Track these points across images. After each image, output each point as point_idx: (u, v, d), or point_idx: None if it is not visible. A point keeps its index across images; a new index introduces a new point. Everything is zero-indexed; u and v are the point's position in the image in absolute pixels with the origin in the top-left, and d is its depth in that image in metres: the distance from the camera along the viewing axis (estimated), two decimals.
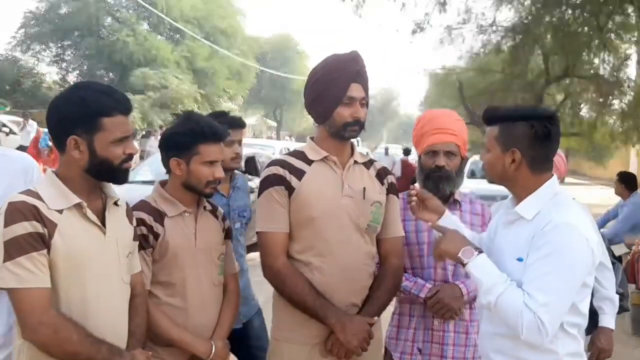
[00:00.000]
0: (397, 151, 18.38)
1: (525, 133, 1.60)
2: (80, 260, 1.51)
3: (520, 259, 1.58)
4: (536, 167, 1.63)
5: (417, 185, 2.01)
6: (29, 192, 1.50)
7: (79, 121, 1.50)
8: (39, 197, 1.48)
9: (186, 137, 1.89)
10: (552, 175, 1.66)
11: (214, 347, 1.89)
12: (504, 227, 1.72)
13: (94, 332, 1.50)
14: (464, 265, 1.63)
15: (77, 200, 1.52)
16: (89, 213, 1.54)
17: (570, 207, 1.61)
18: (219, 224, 2.04)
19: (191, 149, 1.88)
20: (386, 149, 19.32)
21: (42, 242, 1.44)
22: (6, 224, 1.43)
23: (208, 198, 1.99)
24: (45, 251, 1.45)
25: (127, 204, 1.74)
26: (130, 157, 1.59)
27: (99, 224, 1.57)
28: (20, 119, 16.38)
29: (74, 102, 1.51)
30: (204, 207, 2.00)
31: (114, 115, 1.53)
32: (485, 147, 1.71)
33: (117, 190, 1.67)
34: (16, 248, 1.42)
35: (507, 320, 1.54)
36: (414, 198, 1.91)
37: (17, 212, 1.44)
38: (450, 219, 1.92)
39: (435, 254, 1.73)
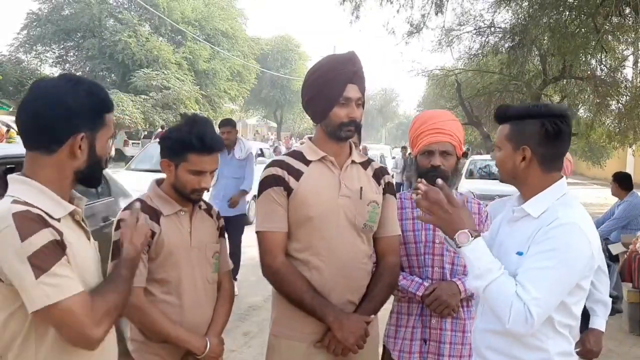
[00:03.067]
0: (378, 152, 17.94)
1: (535, 131, 1.59)
2: (84, 268, 1.43)
3: (520, 253, 1.58)
4: (546, 166, 1.62)
5: (424, 180, 2.01)
6: (17, 202, 1.32)
7: (89, 117, 1.39)
8: (37, 207, 1.33)
9: (176, 143, 1.91)
10: (562, 176, 1.66)
11: (208, 343, 1.93)
12: (507, 225, 1.72)
13: (106, 340, 1.43)
14: (458, 247, 1.62)
15: (70, 207, 1.41)
16: (80, 220, 1.46)
17: (577, 208, 1.60)
18: (213, 222, 2.07)
19: (180, 155, 1.90)
20: (364, 149, 18.83)
21: (61, 249, 1.32)
22: (24, 237, 1.25)
23: (195, 203, 2.00)
24: (66, 258, 1.32)
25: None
26: (108, 158, 1.51)
27: (88, 228, 1.48)
28: None
29: (82, 96, 1.38)
30: (199, 206, 2.03)
31: (111, 112, 1.46)
32: (496, 146, 1.70)
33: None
34: (45, 259, 1.27)
35: (494, 307, 1.54)
36: (420, 192, 1.94)
37: (30, 221, 1.28)
38: None
39: (424, 220, 1.72)
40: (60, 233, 1.33)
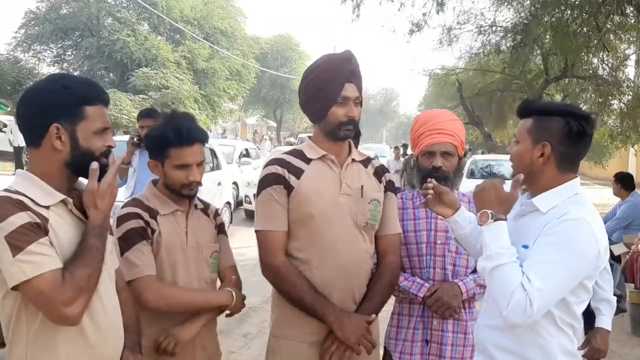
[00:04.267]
0: (372, 152, 17.54)
1: (559, 128, 1.58)
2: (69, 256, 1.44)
3: (525, 246, 1.57)
4: (563, 165, 1.61)
5: (434, 180, 2.00)
6: (8, 191, 1.42)
7: (62, 109, 1.43)
8: (23, 195, 1.41)
9: (156, 141, 1.93)
10: (576, 176, 1.65)
11: (233, 294, 1.97)
12: (514, 220, 1.70)
13: (98, 328, 1.49)
14: (479, 225, 1.62)
15: (61, 196, 1.46)
16: (75, 210, 1.49)
17: (588, 207, 1.60)
18: (210, 221, 2.07)
19: (162, 152, 1.91)
20: None
21: (42, 231, 1.38)
22: (1, 219, 1.33)
23: (189, 199, 2.00)
24: (47, 238, 1.38)
25: None
26: (109, 150, 1.53)
27: (84, 219, 1.51)
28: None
29: (57, 89, 1.44)
30: (195, 206, 2.02)
31: (96, 105, 1.49)
32: (515, 139, 1.69)
33: None
34: (21, 238, 1.33)
35: (496, 292, 1.54)
36: (431, 192, 1.91)
37: (8, 204, 1.36)
38: (465, 215, 1.91)
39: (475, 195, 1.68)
40: (44, 219, 1.40)
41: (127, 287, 1.77)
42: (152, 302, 1.84)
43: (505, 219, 1.60)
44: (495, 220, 1.58)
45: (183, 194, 1.94)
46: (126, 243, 1.84)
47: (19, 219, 1.34)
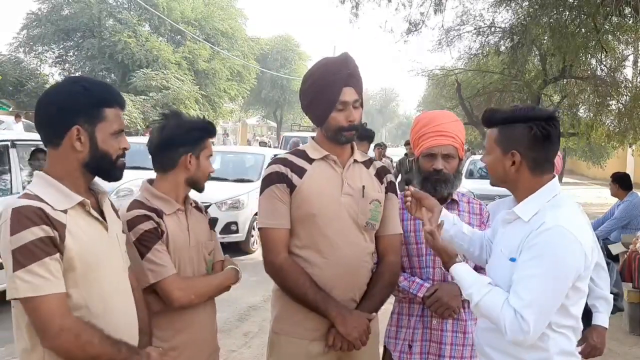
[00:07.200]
0: None
1: (523, 135, 1.58)
2: (94, 258, 1.47)
3: (513, 259, 1.58)
4: (537, 169, 1.61)
5: (411, 186, 2.02)
6: (27, 196, 1.44)
7: (82, 111, 1.46)
8: (41, 199, 1.42)
9: (201, 131, 1.94)
10: (554, 176, 1.65)
11: (239, 272, 2.06)
12: (502, 226, 1.72)
13: (115, 329, 1.48)
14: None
15: (79, 198, 1.47)
16: (92, 211, 1.51)
17: (566, 209, 1.59)
18: (204, 217, 2.08)
19: (202, 143, 1.93)
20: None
21: (53, 246, 1.38)
22: (13, 232, 1.35)
23: (201, 192, 2.03)
24: (57, 255, 1.39)
25: (109, 199, 1.69)
26: (123, 152, 1.55)
27: (102, 219, 1.53)
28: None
29: (77, 92, 1.46)
30: (190, 204, 2.03)
31: (114, 107, 1.51)
32: (486, 150, 1.69)
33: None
34: (26, 255, 1.35)
35: (493, 322, 1.58)
36: (409, 198, 1.94)
37: (24, 217, 1.37)
38: (448, 217, 1.93)
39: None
40: (62, 226, 1.41)
41: (139, 286, 1.77)
42: (184, 298, 1.86)
43: (454, 262, 1.69)
44: (451, 267, 1.69)
45: (202, 187, 2.01)
46: (144, 245, 1.82)
47: (29, 235, 1.35)
